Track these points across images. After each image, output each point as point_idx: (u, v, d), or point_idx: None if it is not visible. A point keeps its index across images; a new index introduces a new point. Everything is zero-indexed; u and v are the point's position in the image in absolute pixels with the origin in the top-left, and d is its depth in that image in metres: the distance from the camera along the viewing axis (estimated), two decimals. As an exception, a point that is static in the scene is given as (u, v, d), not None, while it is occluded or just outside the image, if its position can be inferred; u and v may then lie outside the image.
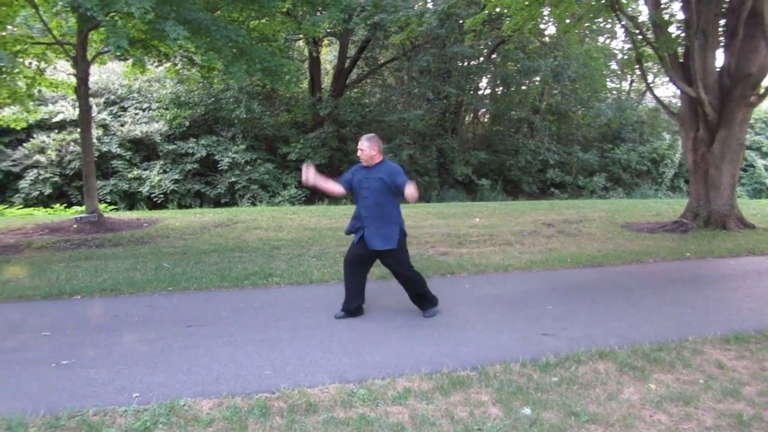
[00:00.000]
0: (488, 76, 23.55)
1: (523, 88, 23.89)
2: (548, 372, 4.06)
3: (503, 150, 22.58)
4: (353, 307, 5.37)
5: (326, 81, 22.67)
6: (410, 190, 4.81)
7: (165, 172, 17.55)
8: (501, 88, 24.30)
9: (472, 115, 25.64)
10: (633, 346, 4.57)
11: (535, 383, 3.87)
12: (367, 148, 5.20)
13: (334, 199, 18.40)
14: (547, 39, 22.48)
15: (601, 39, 24.00)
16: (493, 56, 22.77)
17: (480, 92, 24.30)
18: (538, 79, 22.33)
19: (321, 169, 18.46)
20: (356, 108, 20.28)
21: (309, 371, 4.10)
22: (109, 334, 4.87)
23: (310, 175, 5.16)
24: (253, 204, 17.41)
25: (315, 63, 20.74)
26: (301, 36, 18.35)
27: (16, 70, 11.07)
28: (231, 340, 4.71)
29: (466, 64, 22.07)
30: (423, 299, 5.43)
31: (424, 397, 3.67)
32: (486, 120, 26.05)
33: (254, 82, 17.90)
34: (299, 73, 12.33)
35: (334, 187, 5.35)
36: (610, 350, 4.46)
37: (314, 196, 18.52)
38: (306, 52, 20.95)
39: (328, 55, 23.86)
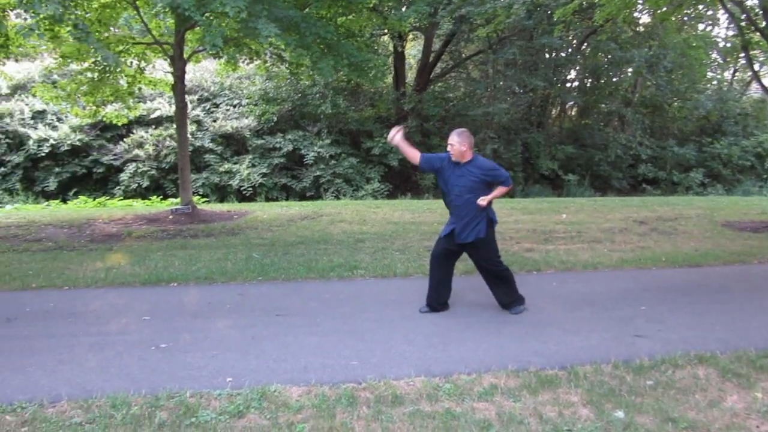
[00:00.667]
0: (577, 67, 22.79)
1: (615, 79, 22.95)
2: (642, 375, 3.88)
3: (592, 144, 21.82)
4: (438, 302, 5.33)
5: (410, 75, 22.68)
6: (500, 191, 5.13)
7: (254, 166, 18.14)
8: (590, 80, 23.46)
9: (558, 109, 24.91)
10: (736, 351, 4.29)
11: (628, 386, 3.71)
12: (458, 143, 4.99)
13: (416, 193, 18.43)
14: (641, 28, 21.46)
15: (701, 26, 22.67)
16: (583, 47, 22.02)
17: (568, 85, 23.57)
18: (630, 70, 21.38)
19: (404, 163, 18.65)
20: (440, 102, 20.18)
21: (394, 363, 4.12)
22: (204, 320, 5.08)
23: (397, 135, 5.10)
24: (337, 197, 17.69)
25: (399, 58, 20.77)
26: (386, 31, 18.42)
27: (119, 69, 11.74)
28: (318, 329, 4.80)
29: (554, 55, 21.47)
30: (510, 297, 5.32)
31: (511, 395, 3.60)
32: (573, 113, 25.25)
33: (340, 77, 18.16)
34: (384, 68, 12.36)
35: (413, 153, 5.21)
36: (711, 355, 4.21)
37: (397, 190, 18.62)
38: (390, 47, 21.03)
39: (413, 50, 23.84)
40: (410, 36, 21.69)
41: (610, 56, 20.98)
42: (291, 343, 4.48)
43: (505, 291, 5.30)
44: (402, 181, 19.44)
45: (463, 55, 22.29)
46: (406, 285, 6.29)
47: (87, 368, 4.02)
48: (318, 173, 18.04)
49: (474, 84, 21.73)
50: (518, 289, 5.35)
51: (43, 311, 5.38)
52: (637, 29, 21.33)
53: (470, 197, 5.00)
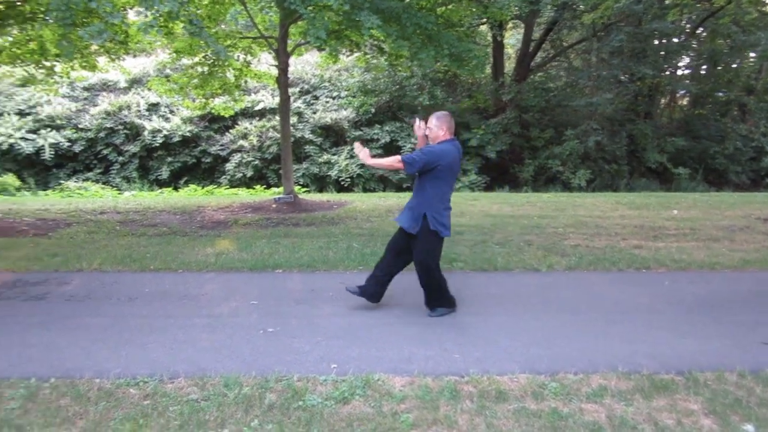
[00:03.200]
0: (690, 54, 21.39)
1: (734, 65, 21.32)
2: (773, 386, 3.59)
3: (706, 135, 20.44)
4: (373, 291, 5.04)
5: (508, 65, 22.20)
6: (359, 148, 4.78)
7: (352, 157, 18.41)
8: (706, 67, 21.95)
9: (668, 98, 23.54)
10: None
11: (757, 398, 3.44)
12: (435, 126, 4.76)
13: (515, 186, 18.05)
14: (768, 8, 19.83)
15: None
16: (698, 31, 20.65)
17: (679, 72, 22.19)
18: (754, 54, 19.78)
19: (502, 156, 18.28)
20: (540, 93, 19.61)
21: (497, 358, 4.04)
22: (308, 306, 5.20)
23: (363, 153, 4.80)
24: (434, 189, 17.60)
25: (498, 47, 20.39)
26: (484, 20, 18.11)
27: (226, 63, 12.26)
28: (419, 321, 4.79)
29: (664, 41, 20.29)
30: (431, 297, 4.96)
31: (622, 398, 3.44)
32: (685, 103, 23.77)
33: (437, 68, 18.07)
34: (484, 58, 12.13)
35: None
36: None
37: (494, 182, 18.31)
38: (489, 37, 20.66)
39: (511, 39, 23.32)
40: (510, 24, 21.20)
41: (730, 40, 19.52)
42: (393, 333, 4.51)
43: (427, 289, 4.93)
44: (500, 174, 19.10)
45: (565, 44, 21.54)
46: (508, 279, 6.17)
47: (201, 348, 4.22)
48: (415, 164, 18.02)
49: (576, 73, 20.96)
50: (450, 293, 5.01)
51: (160, 292, 5.71)
52: (764, 9, 19.70)
53: (417, 182, 4.81)
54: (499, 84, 19.67)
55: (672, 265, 6.77)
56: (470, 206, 11.62)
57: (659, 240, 8.22)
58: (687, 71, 22.56)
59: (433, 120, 4.80)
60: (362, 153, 4.76)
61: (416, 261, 4.83)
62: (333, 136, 19.43)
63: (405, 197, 13.64)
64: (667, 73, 20.81)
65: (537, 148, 18.84)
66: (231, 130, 19.24)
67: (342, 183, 18.04)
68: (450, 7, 11.43)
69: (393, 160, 4.70)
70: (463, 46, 9.74)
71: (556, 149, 18.42)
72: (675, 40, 20.29)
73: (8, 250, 7.79)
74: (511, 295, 5.52)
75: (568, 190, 17.08)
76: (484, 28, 20.40)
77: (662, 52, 20.02)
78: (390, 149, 18.72)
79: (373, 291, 5.05)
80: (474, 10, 12.80)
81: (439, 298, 4.95)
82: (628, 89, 19.85)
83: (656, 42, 20.09)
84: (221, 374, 3.72)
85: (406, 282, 5.99)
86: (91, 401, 3.40)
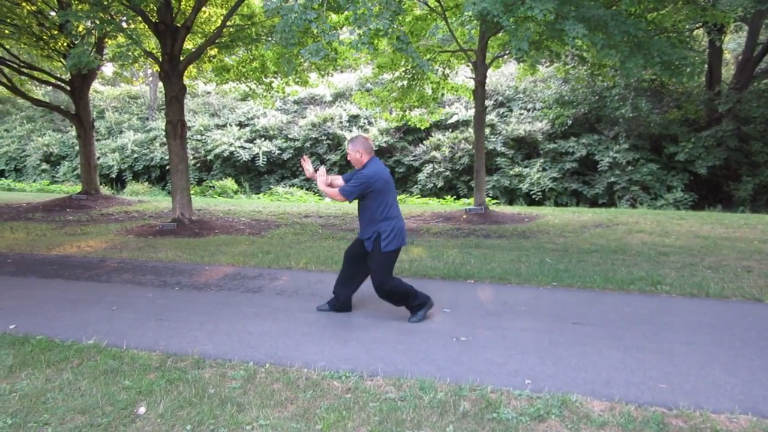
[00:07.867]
0: None
1: None
2: None
3: None
4: (337, 300, 5.36)
5: (725, 72, 20.08)
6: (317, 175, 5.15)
7: (544, 170, 17.97)
8: None
9: None
10: None
11: None
12: (351, 150, 4.99)
13: (728, 205, 16.28)
14: None
15: None
16: None
17: None
18: None
19: (714, 172, 16.60)
20: (765, 102, 17.44)
21: (711, 394, 3.67)
22: (500, 318, 5.17)
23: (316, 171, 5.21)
24: (633, 206, 16.54)
25: (715, 53, 18.54)
26: (698, 24, 16.60)
27: (425, 77, 12.68)
28: (619, 344, 4.52)
29: None
30: (402, 304, 5.14)
31: None
32: None
33: (643, 77, 16.94)
34: (702, 65, 11.10)
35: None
36: None
37: (703, 201, 16.68)
38: (705, 42, 18.89)
39: (731, 43, 21.09)
40: (731, 27, 19.19)
41: None
42: (590, 354, 4.30)
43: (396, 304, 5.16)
44: (710, 191, 17.35)
45: (800, 46, 18.95)
46: (722, 308, 5.57)
47: (397, 349, 4.39)
48: (612, 179, 17.09)
49: (814, 80, 18.34)
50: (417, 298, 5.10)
51: (359, 293, 6.04)
52: None
53: (360, 204, 5.01)
54: (714, 93, 17.89)
55: None
56: (676, 226, 10.71)
57: None
58: None
59: (347, 145, 5.08)
60: (311, 174, 5.19)
61: (373, 280, 5.02)
62: (525, 148, 19.13)
63: (600, 213, 13.00)
64: None
65: (758, 164, 16.79)
66: (424, 142, 19.85)
67: (533, 196, 17.66)
68: (663, 12, 10.67)
69: (334, 192, 4.99)
70: (676, 53, 9.03)
71: (782, 166, 16.32)
72: None
73: (229, 246, 8.79)
74: (727, 325, 4.97)
75: (796, 213, 15.02)
76: (699, 32, 18.72)
77: None
78: (585, 163, 17.96)
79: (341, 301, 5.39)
80: (687, 13, 11.79)
81: (408, 300, 5.08)
82: None
83: None
84: (417, 377, 3.83)
85: (610, 303, 5.71)
86: (300, 389, 3.70)
